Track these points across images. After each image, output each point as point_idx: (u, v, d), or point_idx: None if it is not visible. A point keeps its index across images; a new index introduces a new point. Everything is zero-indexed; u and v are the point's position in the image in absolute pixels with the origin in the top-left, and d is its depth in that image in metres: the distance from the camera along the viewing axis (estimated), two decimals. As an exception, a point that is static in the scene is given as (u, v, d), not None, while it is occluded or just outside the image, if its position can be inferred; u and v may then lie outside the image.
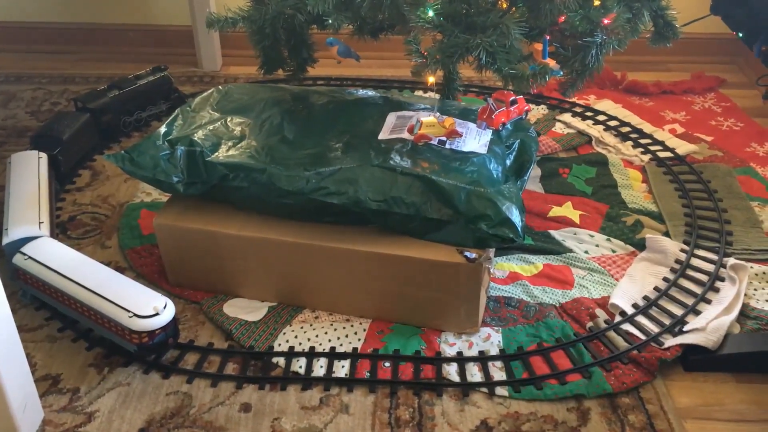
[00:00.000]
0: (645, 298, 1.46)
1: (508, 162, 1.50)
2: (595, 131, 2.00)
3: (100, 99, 1.93)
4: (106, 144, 1.95)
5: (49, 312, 1.44)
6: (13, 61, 2.41)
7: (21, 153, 1.67)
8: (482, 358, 1.33)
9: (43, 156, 1.66)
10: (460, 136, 1.46)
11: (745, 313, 1.42)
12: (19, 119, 2.10)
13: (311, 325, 1.41)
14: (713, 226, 1.64)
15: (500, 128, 1.53)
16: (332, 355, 1.34)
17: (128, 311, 1.26)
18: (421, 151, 1.42)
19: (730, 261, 1.52)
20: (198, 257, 1.44)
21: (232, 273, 1.44)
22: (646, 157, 1.90)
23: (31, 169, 1.61)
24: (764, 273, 1.51)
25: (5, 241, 1.44)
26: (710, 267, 1.52)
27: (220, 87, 1.65)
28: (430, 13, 1.36)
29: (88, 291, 1.31)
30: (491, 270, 1.47)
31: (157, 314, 1.27)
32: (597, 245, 1.60)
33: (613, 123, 2.03)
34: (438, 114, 1.49)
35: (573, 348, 1.35)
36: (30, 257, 1.38)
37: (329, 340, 1.38)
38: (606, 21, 1.42)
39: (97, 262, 1.39)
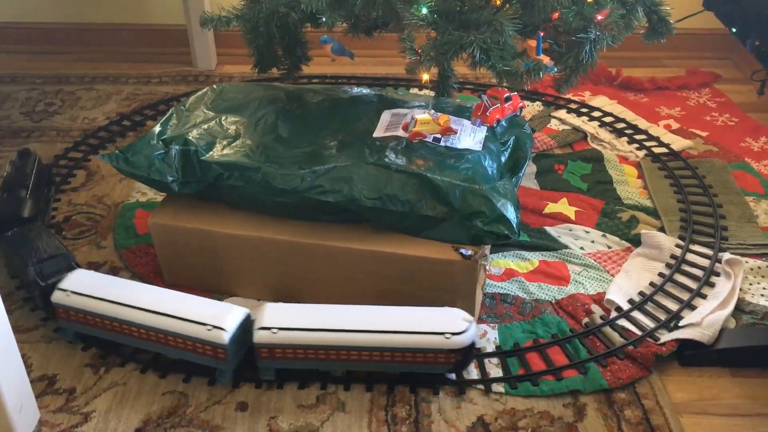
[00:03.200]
0: (640, 293, 1.46)
1: (503, 159, 1.50)
2: (590, 127, 2.00)
3: None
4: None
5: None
6: (8, 61, 2.41)
7: None
8: (478, 355, 1.34)
9: None
10: (455, 133, 1.46)
11: (740, 308, 1.42)
12: (13, 120, 2.09)
13: (307, 324, 1.40)
14: (708, 221, 1.65)
15: (495, 125, 1.53)
16: (329, 354, 1.34)
17: (443, 333, 1.21)
18: (415, 148, 1.42)
19: (726, 256, 1.52)
20: (194, 256, 1.44)
21: (228, 272, 1.44)
22: (642, 153, 1.90)
23: None
24: (759, 268, 1.52)
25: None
26: (705, 262, 1.52)
27: (214, 86, 1.65)
28: (424, 11, 1.36)
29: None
30: (487, 267, 1.47)
31: (469, 325, 1.23)
32: (592, 241, 1.60)
33: (608, 119, 2.03)
34: (432, 111, 1.49)
35: (569, 344, 1.36)
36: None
37: (325, 339, 1.37)
38: (599, 17, 1.43)
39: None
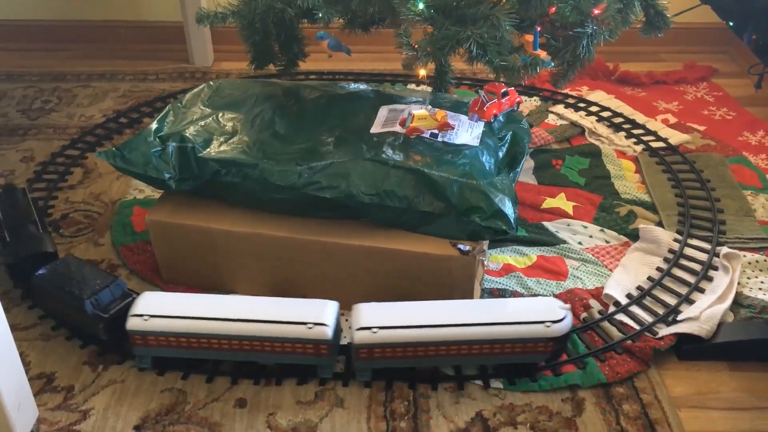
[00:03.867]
0: (638, 288, 1.46)
1: (500, 154, 1.50)
2: (588, 122, 2.00)
3: None
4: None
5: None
6: (4, 58, 2.40)
7: None
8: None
9: None
10: (452, 128, 1.46)
11: (738, 302, 1.42)
12: (10, 118, 2.09)
13: (306, 320, 1.40)
14: (706, 215, 1.65)
15: (492, 120, 1.53)
16: (327, 350, 1.34)
17: (543, 322, 1.22)
18: (413, 144, 1.41)
19: (723, 250, 1.52)
20: (191, 253, 1.44)
21: (225, 269, 1.44)
22: (639, 148, 1.90)
23: None
24: (757, 261, 1.52)
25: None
26: (703, 256, 1.52)
27: (211, 83, 1.64)
28: (421, 6, 1.36)
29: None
30: (485, 262, 1.47)
31: (566, 314, 1.24)
32: (590, 236, 1.60)
33: (605, 114, 2.03)
34: (430, 107, 1.48)
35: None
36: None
37: (324, 335, 1.37)
38: (596, 11, 1.42)
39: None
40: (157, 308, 1.26)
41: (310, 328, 1.22)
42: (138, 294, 1.32)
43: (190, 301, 1.30)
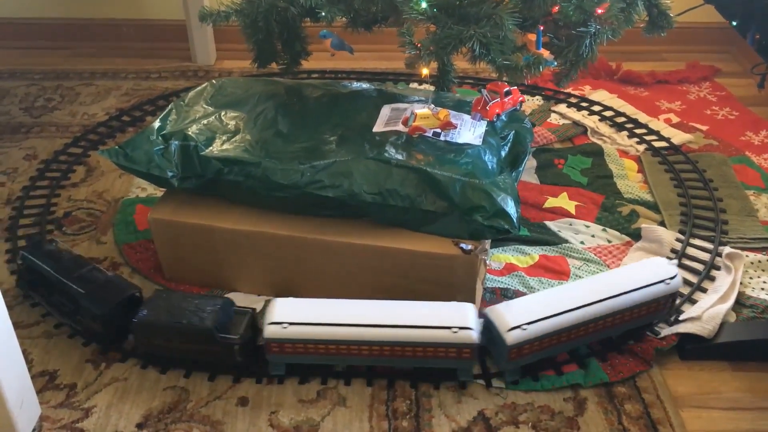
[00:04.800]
0: (641, 287, 1.46)
1: (503, 153, 1.50)
2: (591, 122, 2.00)
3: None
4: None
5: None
6: (7, 57, 2.41)
7: None
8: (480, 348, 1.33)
9: None
10: (455, 127, 1.46)
11: (740, 302, 1.42)
12: (13, 116, 2.09)
13: (308, 319, 1.40)
14: (709, 215, 1.65)
15: (495, 119, 1.52)
16: (329, 348, 1.34)
17: (663, 281, 1.30)
18: (415, 143, 1.41)
19: (726, 250, 1.52)
20: (194, 252, 1.44)
21: (228, 267, 1.44)
22: (642, 147, 1.90)
23: None
24: (760, 261, 1.52)
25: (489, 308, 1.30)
26: (706, 256, 1.52)
27: (213, 81, 1.64)
28: (423, 5, 1.36)
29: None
30: (487, 261, 1.47)
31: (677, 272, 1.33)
32: (593, 235, 1.60)
33: (608, 113, 2.03)
34: (432, 106, 1.48)
35: (569, 338, 1.36)
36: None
37: (326, 333, 1.37)
38: (599, 11, 1.42)
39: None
40: (295, 315, 1.24)
41: (455, 332, 1.22)
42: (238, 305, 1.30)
43: (325, 306, 1.27)
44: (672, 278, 1.32)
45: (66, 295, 1.33)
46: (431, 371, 1.28)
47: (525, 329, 1.23)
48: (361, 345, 1.24)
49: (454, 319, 1.24)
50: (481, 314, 1.29)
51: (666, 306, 1.34)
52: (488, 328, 1.26)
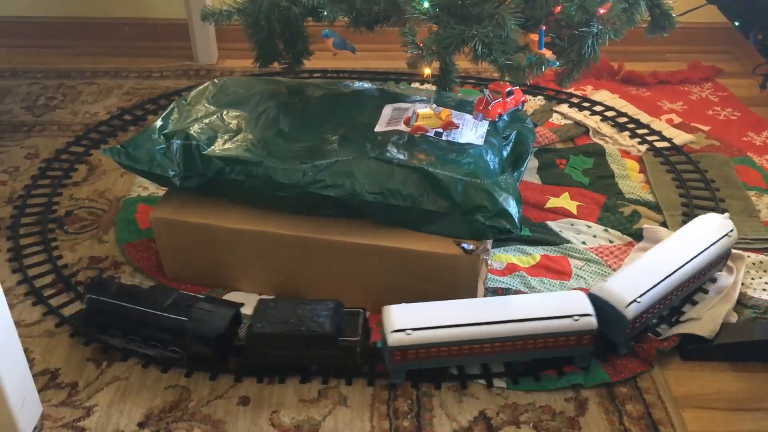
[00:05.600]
0: (642, 288, 1.46)
1: (504, 153, 1.50)
2: (592, 122, 1.99)
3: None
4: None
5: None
6: (8, 55, 2.41)
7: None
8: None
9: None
10: (457, 127, 1.46)
11: (742, 302, 1.42)
12: (14, 114, 2.09)
13: (309, 318, 1.40)
14: (710, 215, 1.64)
15: (497, 119, 1.52)
16: (330, 348, 1.34)
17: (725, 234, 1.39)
18: (417, 143, 1.41)
19: (727, 250, 1.52)
20: (195, 251, 1.44)
21: (229, 266, 1.44)
22: (643, 148, 1.90)
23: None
24: (761, 262, 1.51)
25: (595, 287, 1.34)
26: (707, 256, 1.52)
27: (215, 80, 1.64)
28: (426, 5, 1.36)
29: None
30: (488, 261, 1.47)
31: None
32: (594, 236, 1.60)
33: (610, 113, 2.03)
34: (434, 106, 1.48)
35: (571, 338, 1.36)
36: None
37: (327, 333, 1.37)
38: (602, 11, 1.42)
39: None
40: (415, 321, 1.24)
41: (576, 320, 1.24)
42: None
43: (441, 309, 1.27)
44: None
45: (160, 328, 1.28)
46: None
47: (639, 302, 1.27)
48: (483, 343, 1.24)
49: (573, 307, 1.26)
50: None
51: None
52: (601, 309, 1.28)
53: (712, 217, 1.46)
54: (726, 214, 1.44)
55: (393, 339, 1.22)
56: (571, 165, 1.83)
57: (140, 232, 1.62)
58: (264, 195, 1.37)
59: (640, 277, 1.31)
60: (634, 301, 1.27)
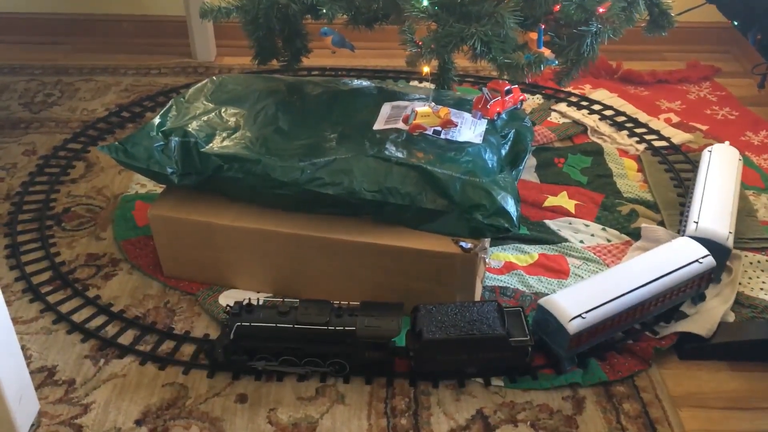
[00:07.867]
0: (640, 287, 1.46)
1: (503, 152, 1.50)
2: (591, 121, 2.00)
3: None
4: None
5: None
6: (6, 52, 2.40)
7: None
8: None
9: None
10: (455, 125, 1.46)
11: (739, 302, 1.42)
12: (12, 111, 2.09)
13: (307, 316, 1.40)
14: (708, 215, 1.64)
15: (495, 118, 1.52)
16: (328, 346, 1.34)
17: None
18: (416, 141, 1.41)
19: (725, 250, 1.52)
20: (193, 248, 1.44)
21: (227, 264, 1.44)
22: (642, 147, 1.90)
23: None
24: (759, 262, 1.52)
25: (689, 232, 1.44)
26: (705, 256, 1.52)
27: (214, 77, 1.64)
28: (425, 3, 1.36)
29: None
30: (486, 260, 1.47)
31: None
32: (592, 235, 1.60)
33: (608, 112, 2.03)
34: (433, 104, 1.48)
35: (568, 337, 1.36)
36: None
37: (325, 331, 1.37)
38: (601, 10, 1.42)
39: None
40: (583, 304, 1.26)
41: (701, 262, 1.34)
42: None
43: (595, 286, 1.31)
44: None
45: (326, 341, 1.25)
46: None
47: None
48: (637, 307, 1.28)
49: (693, 253, 1.35)
50: None
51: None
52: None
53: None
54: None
55: (572, 327, 1.24)
56: (569, 164, 1.83)
57: (138, 230, 1.62)
58: (262, 193, 1.37)
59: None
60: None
